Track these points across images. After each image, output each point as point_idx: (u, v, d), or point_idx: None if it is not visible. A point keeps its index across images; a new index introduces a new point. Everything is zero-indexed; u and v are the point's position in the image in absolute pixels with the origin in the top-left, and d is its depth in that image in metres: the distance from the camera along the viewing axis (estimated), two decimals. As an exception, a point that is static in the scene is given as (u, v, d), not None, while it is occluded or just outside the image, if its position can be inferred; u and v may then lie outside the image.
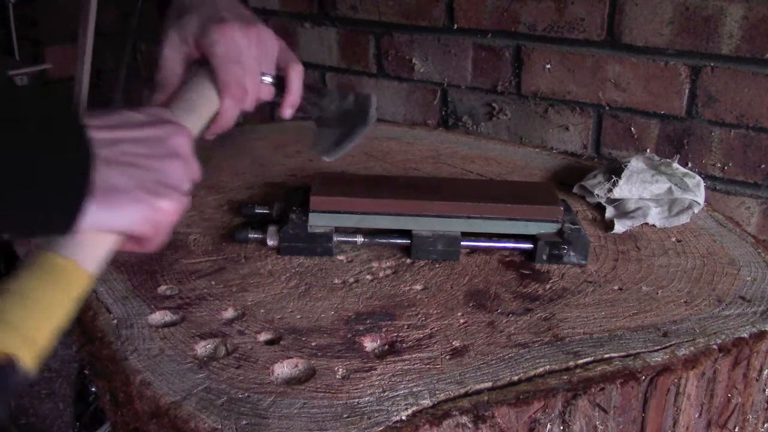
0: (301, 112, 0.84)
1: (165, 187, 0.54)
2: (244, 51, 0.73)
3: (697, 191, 0.98)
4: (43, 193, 0.47)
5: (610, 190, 0.98)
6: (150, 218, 0.53)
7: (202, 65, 0.74)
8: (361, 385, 0.63)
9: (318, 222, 0.85)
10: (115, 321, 0.72)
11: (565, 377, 0.64)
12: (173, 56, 0.74)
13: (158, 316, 0.73)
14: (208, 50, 0.73)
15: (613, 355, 0.68)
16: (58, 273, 0.49)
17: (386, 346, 0.69)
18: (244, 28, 0.73)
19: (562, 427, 0.63)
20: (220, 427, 0.58)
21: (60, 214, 0.49)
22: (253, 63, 0.74)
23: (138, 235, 0.54)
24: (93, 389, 1.30)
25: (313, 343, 0.69)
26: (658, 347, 0.69)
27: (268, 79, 0.77)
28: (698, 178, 1.00)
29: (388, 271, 0.83)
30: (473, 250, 0.88)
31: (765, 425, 0.80)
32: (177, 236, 0.88)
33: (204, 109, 0.72)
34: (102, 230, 0.52)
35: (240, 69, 0.73)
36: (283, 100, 0.80)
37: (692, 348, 0.69)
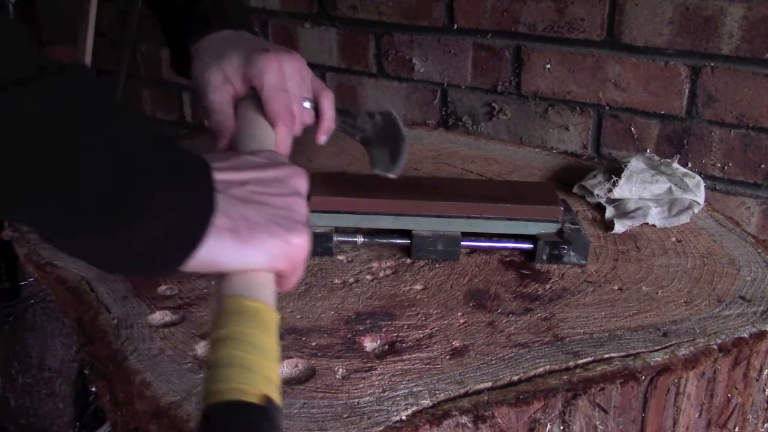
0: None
1: (295, 223, 0.55)
2: (288, 79, 0.75)
3: (697, 191, 0.98)
4: (166, 230, 0.48)
5: (610, 190, 0.98)
6: (287, 254, 0.54)
7: (245, 101, 0.76)
8: (361, 385, 0.63)
9: (318, 222, 0.86)
10: (115, 321, 0.72)
11: (565, 377, 0.64)
12: (222, 98, 0.76)
13: (158, 316, 0.73)
14: (256, 81, 0.75)
15: (613, 355, 0.68)
16: (260, 317, 0.50)
17: (386, 346, 0.69)
18: (286, 57, 0.76)
19: (562, 427, 0.63)
20: (220, 427, 0.58)
21: (175, 251, 0.49)
22: (296, 90, 0.77)
23: (278, 272, 0.55)
24: (93, 389, 1.30)
25: (313, 343, 0.69)
26: (658, 347, 0.69)
27: (308, 104, 0.79)
28: (698, 178, 1.00)
29: (388, 271, 0.83)
30: (473, 250, 0.88)
31: (765, 425, 0.80)
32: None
33: (270, 143, 0.73)
34: (246, 268, 0.52)
35: (287, 96, 0.75)
36: (318, 127, 0.82)
37: (692, 348, 0.69)
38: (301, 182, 0.59)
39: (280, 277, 0.56)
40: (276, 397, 0.46)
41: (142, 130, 0.49)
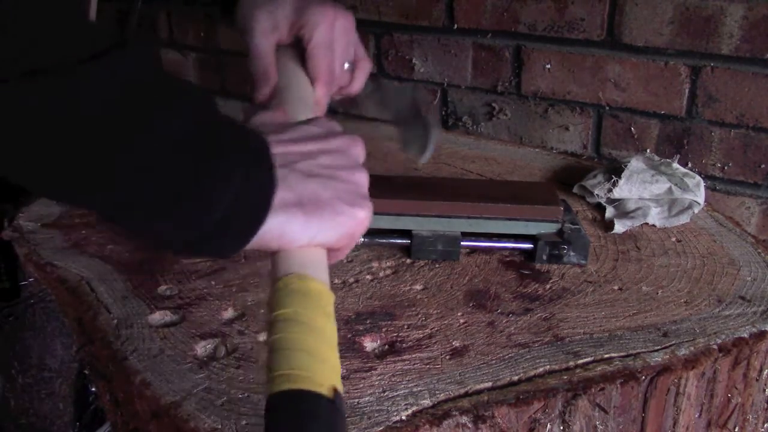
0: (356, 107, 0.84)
1: (359, 197, 0.54)
2: (336, 37, 0.73)
3: (697, 191, 0.98)
4: (233, 203, 0.46)
5: (610, 190, 0.98)
6: (349, 229, 0.53)
7: (285, 50, 0.73)
8: (361, 385, 0.63)
9: (318, 222, 0.85)
10: (115, 321, 0.72)
11: (565, 377, 0.64)
12: (268, 44, 0.72)
13: (158, 316, 0.73)
14: (306, 32, 0.71)
15: (613, 355, 0.68)
16: (320, 299, 0.49)
17: (386, 346, 0.69)
18: (340, 14, 0.73)
19: (562, 427, 0.63)
20: (220, 427, 0.58)
21: (239, 231, 0.48)
22: (342, 49, 0.74)
23: (336, 248, 0.54)
24: (93, 389, 1.30)
25: (313, 343, 0.69)
26: (658, 347, 0.69)
27: (347, 66, 0.77)
28: (698, 178, 1.00)
29: (388, 271, 0.83)
30: (473, 250, 0.88)
31: (765, 425, 0.80)
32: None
33: (310, 100, 0.70)
34: (312, 244, 0.51)
35: (332, 55, 0.72)
36: (342, 89, 0.79)
37: (692, 348, 0.69)
38: (360, 151, 0.58)
39: (332, 251, 0.54)
40: (339, 384, 0.45)
41: (199, 108, 0.48)
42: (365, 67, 0.79)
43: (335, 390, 0.44)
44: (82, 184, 0.44)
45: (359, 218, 0.53)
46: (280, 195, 0.49)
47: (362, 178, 0.55)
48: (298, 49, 0.73)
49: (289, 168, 0.51)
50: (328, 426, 0.43)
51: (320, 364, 0.44)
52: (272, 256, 0.52)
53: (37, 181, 0.45)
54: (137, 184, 0.44)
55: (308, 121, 0.59)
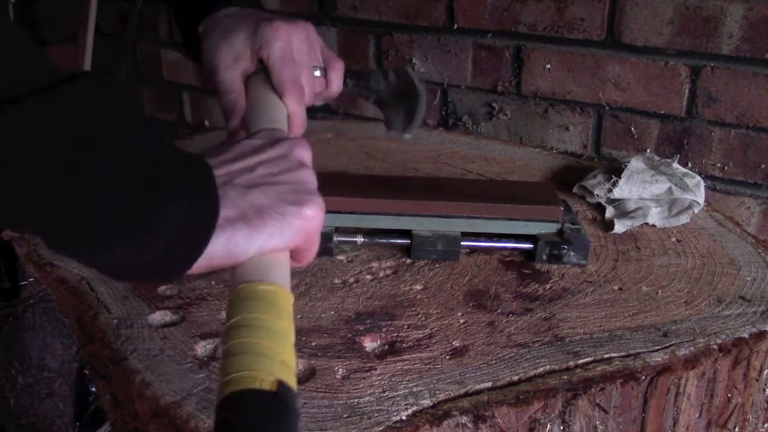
0: (362, 98, 0.86)
1: (304, 194, 0.55)
2: (296, 49, 0.74)
3: (697, 191, 0.98)
4: (174, 232, 0.48)
5: (610, 190, 0.98)
6: (300, 228, 0.53)
7: (255, 76, 0.75)
8: (361, 385, 0.63)
9: (318, 222, 0.85)
10: (115, 321, 0.72)
11: (565, 377, 0.64)
12: (233, 76, 0.75)
13: (158, 316, 0.73)
14: (263, 52, 0.73)
15: (613, 355, 0.68)
16: (271, 299, 0.50)
17: (386, 346, 0.69)
18: (293, 26, 0.75)
19: (562, 427, 0.63)
20: (220, 427, 0.58)
21: (182, 256, 0.49)
22: (305, 59, 0.76)
23: (294, 248, 0.55)
24: (93, 389, 1.30)
25: (313, 343, 0.69)
26: (658, 347, 0.69)
27: (318, 73, 0.78)
28: (698, 178, 1.00)
29: (388, 271, 0.83)
30: (473, 250, 0.88)
31: (765, 425, 0.80)
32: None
33: (281, 117, 0.72)
34: (264, 252, 0.52)
35: (295, 66, 0.74)
36: (321, 93, 0.80)
37: (692, 348, 0.69)
38: (303, 152, 0.59)
39: (297, 252, 0.55)
40: (291, 380, 0.46)
41: (142, 137, 0.49)
42: (338, 67, 0.80)
43: (280, 383, 0.44)
44: (24, 215, 0.45)
45: (307, 215, 0.54)
46: (222, 213, 0.50)
47: (306, 176, 0.56)
48: (265, 72, 0.75)
49: (230, 185, 0.52)
50: (270, 419, 0.43)
51: (263, 360, 0.45)
52: (230, 273, 0.53)
53: None
54: (77, 221, 0.45)
55: (251, 135, 0.60)
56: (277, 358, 0.46)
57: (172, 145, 0.51)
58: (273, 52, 0.73)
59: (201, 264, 0.50)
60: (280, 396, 0.44)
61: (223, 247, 0.50)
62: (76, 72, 0.47)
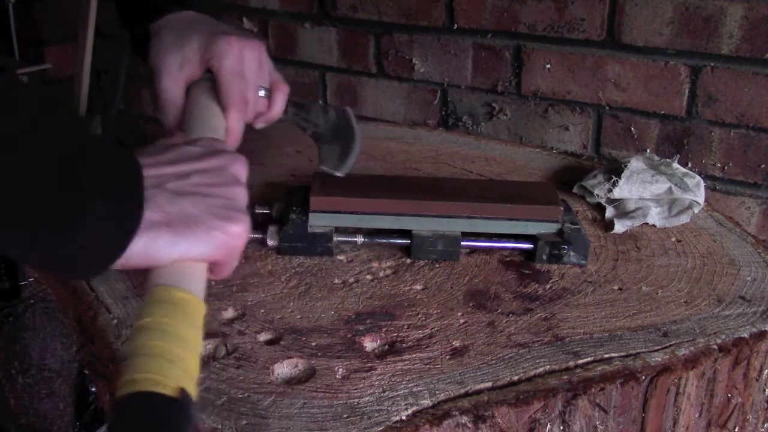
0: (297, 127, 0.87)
1: (233, 211, 0.55)
2: (246, 65, 0.75)
3: (697, 191, 0.98)
4: (93, 232, 0.48)
5: (610, 190, 0.98)
6: (224, 243, 0.54)
7: (198, 85, 0.75)
8: (361, 385, 0.63)
9: (318, 222, 0.85)
10: (115, 321, 0.72)
11: (565, 377, 0.64)
12: (175, 84, 0.75)
13: (158, 316, 0.73)
14: (214, 63, 0.74)
15: (613, 355, 0.68)
16: (184, 307, 0.50)
17: (386, 346, 0.69)
18: (247, 43, 0.75)
19: (562, 427, 0.63)
20: (220, 427, 0.58)
21: (104, 253, 0.49)
22: (253, 77, 0.76)
23: (214, 261, 0.55)
24: (93, 389, 1.30)
25: (313, 343, 0.69)
26: (658, 347, 0.69)
27: (263, 93, 0.78)
28: (698, 178, 1.00)
29: (388, 271, 0.83)
30: (473, 250, 0.88)
31: (765, 425, 0.80)
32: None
33: (220, 128, 0.72)
34: (183, 260, 0.53)
35: (244, 83, 0.74)
36: (263, 115, 0.81)
37: (692, 348, 0.69)
38: (240, 169, 0.59)
39: (215, 265, 0.56)
40: (192, 390, 0.46)
41: (68, 131, 0.49)
42: (283, 91, 0.81)
43: (182, 391, 0.45)
44: None
45: (233, 232, 0.54)
46: (146, 216, 0.50)
47: (238, 194, 0.57)
48: (211, 82, 0.75)
49: (160, 188, 0.53)
50: (169, 424, 0.44)
51: (169, 366, 0.46)
52: (148, 274, 0.53)
53: None
54: (2, 218, 0.45)
55: (192, 141, 0.60)
56: (182, 366, 0.47)
57: (102, 143, 0.51)
58: (224, 65, 0.73)
59: (120, 263, 0.50)
60: (181, 403, 0.45)
61: (143, 248, 0.50)
62: None
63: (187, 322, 0.49)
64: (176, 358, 0.47)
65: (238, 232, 0.55)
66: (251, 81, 0.76)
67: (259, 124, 0.81)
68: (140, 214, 0.50)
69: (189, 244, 0.52)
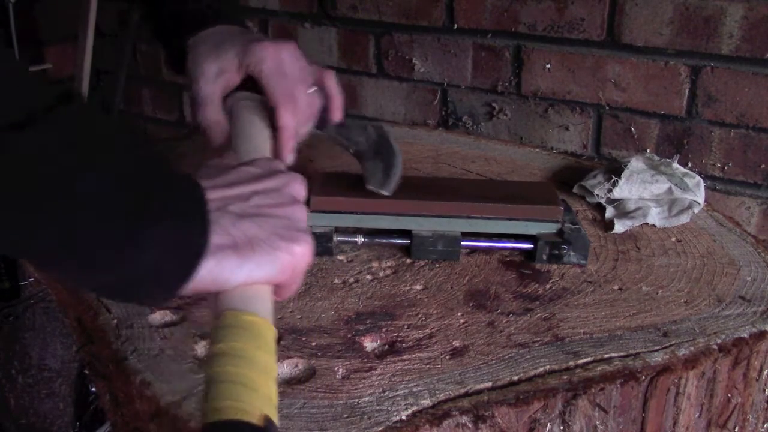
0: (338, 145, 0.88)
1: (296, 232, 0.55)
2: (286, 65, 0.76)
3: (697, 191, 0.98)
4: (163, 255, 0.48)
5: (610, 190, 0.98)
6: (289, 264, 0.54)
7: (240, 103, 0.76)
8: (361, 385, 0.63)
9: (318, 222, 0.85)
10: (115, 321, 0.72)
11: (565, 377, 0.64)
12: (212, 90, 0.76)
13: (158, 316, 0.73)
14: (254, 69, 0.75)
15: (613, 355, 0.68)
16: (258, 331, 0.50)
17: (386, 346, 0.69)
18: (282, 45, 0.77)
19: (562, 427, 0.63)
20: (220, 427, 0.57)
21: (171, 280, 0.50)
22: (296, 74, 0.77)
23: (279, 283, 0.55)
24: (93, 389, 1.30)
25: (313, 343, 0.69)
26: (658, 347, 0.69)
27: (312, 90, 0.79)
28: (698, 178, 1.00)
29: (388, 271, 0.83)
30: (473, 250, 0.88)
31: (765, 425, 0.80)
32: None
33: (265, 144, 0.73)
34: (249, 282, 0.52)
35: (288, 81, 0.75)
36: (331, 105, 0.82)
37: (692, 348, 0.69)
38: (298, 188, 0.59)
39: (279, 287, 0.56)
40: (275, 417, 0.46)
41: (130, 159, 0.49)
42: (330, 76, 0.82)
43: (266, 418, 0.45)
44: (14, 239, 0.45)
45: (297, 252, 0.54)
46: (214, 240, 0.50)
47: (299, 213, 0.57)
48: (254, 100, 0.76)
49: (223, 211, 0.53)
50: None
51: (251, 394, 0.46)
52: (215, 295, 0.53)
53: None
54: (62, 242, 0.45)
55: (249, 162, 0.60)
56: (263, 393, 0.46)
57: (167, 166, 0.51)
58: (265, 68, 0.75)
59: (188, 288, 0.50)
60: (266, 430, 0.44)
61: (210, 272, 0.50)
62: (66, 92, 0.47)
63: (262, 347, 0.49)
64: (257, 385, 0.46)
65: (301, 253, 0.55)
66: (296, 78, 0.76)
67: (338, 113, 0.82)
68: (207, 237, 0.50)
69: (254, 266, 0.52)
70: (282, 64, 0.76)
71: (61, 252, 0.46)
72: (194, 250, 0.50)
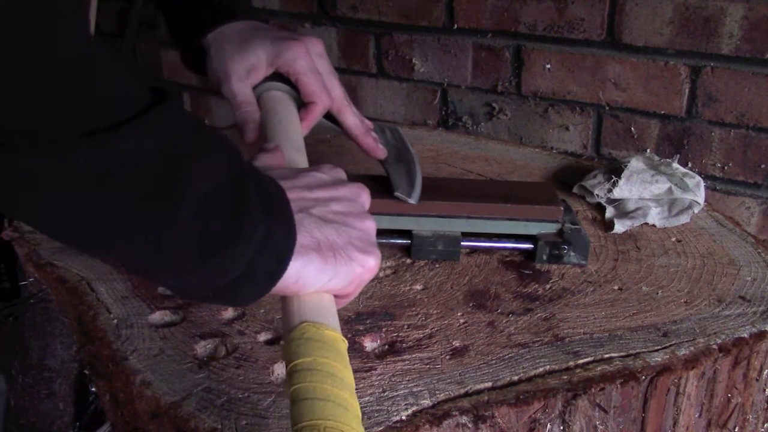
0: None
1: (370, 245, 0.55)
2: (319, 62, 0.78)
3: (697, 191, 0.98)
4: (259, 252, 0.47)
5: (610, 190, 0.98)
6: (359, 275, 0.54)
7: (270, 92, 0.78)
8: (361, 385, 0.63)
9: (318, 222, 0.85)
10: (115, 321, 0.72)
11: (565, 377, 0.64)
12: (246, 88, 0.77)
13: (158, 316, 0.73)
14: (288, 68, 0.76)
15: (613, 355, 0.68)
16: (337, 346, 0.49)
17: (386, 346, 0.69)
18: (309, 41, 0.79)
19: (562, 427, 0.63)
20: (220, 427, 0.58)
21: (264, 279, 0.49)
22: (327, 70, 0.80)
23: (343, 294, 0.55)
24: (93, 389, 1.30)
25: (313, 343, 0.69)
26: (658, 347, 0.69)
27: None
28: (698, 178, 1.00)
29: (388, 271, 0.83)
30: (473, 250, 0.88)
31: (765, 425, 0.80)
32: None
33: (300, 139, 0.73)
34: (323, 290, 0.52)
35: (321, 77, 0.78)
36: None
37: (692, 348, 0.69)
38: (366, 199, 0.59)
39: (338, 297, 0.55)
40: None
41: (226, 163, 0.48)
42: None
43: None
44: (111, 241, 0.44)
45: (370, 266, 0.54)
46: (299, 240, 0.50)
47: (371, 226, 0.57)
48: (284, 90, 0.78)
49: (305, 213, 0.52)
50: None
51: (344, 412, 0.45)
52: (283, 303, 0.52)
53: (71, 236, 0.45)
54: (162, 244, 0.44)
55: (317, 168, 0.60)
56: (353, 411, 0.46)
57: (249, 164, 0.50)
58: (298, 67, 0.76)
59: (276, 287, 0.50)
60: None
61: (296, 273, 0.50)
62: (160, 90, 0.45)
63: (343, 363, 0.48)
64: (347, 403, 0.46)
65: (373, 267, 0.54)
66: (329, 75, 0.79)
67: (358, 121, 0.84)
68: (294, 237, 0.50)
69: (333, 273, 0.52)
70: (312, 61, 0.77)
71: (157, 254, 0.45)
72: (285, 248, 0.49)
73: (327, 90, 0.78)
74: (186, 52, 0.84)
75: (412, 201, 0.84)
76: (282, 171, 0.58)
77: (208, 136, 0.47)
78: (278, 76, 0.78)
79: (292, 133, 0.73)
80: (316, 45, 0.80)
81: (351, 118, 0.82)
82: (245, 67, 0.76)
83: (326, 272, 0.51)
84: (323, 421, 0.44)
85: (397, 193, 0.84)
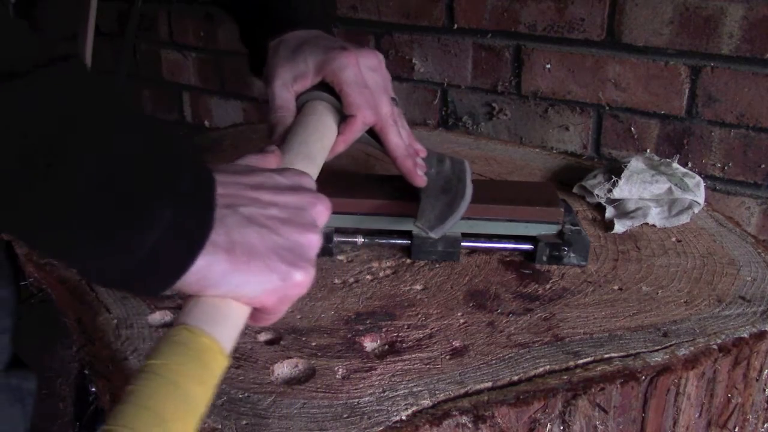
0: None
1: (300, 259, 0.50)
2: (366, 74, 0.75)
3: (697, 191, 0.98)
4: (156, 248, 0.43)
5: (610, 190, 0.98)
6: (279, 290, 0.49)
7: (313, 103, 0.75)
8: (361, 385, 0.63)
9: (318, 222, 0.85)
10: (115, 321, 0.72)
11: (565, 377, 0.64)
12: (288, 95, 0.76)
13: (158, 316, 0.73)
14: (333, 78, 0.74)
15: (613, 355, 0.68)
16: (204, 357, 0.44)
17: (386, 346, 0.69)
18: (364, 53, 0.76)
19: (562, 427, 0.63)
20: (220, 427, 0.58)
21: (166, 270, 0.45)
22: (376, 84, 0.76)
23: (260, 307, 0.50)
24: (93, 389, 1.30)
25: (313, 343, 0.69)
26: (658, 347, 0.69)
27: (394, 99, 0.78)
28: (698, 178, 1.00)
29: (388, 271, 0.83)
30: (473, 250, 0.88)
31: (765, 425, 0.80)
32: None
33: (319, 154, 0.71)
34: (230, 295, 0.48)
35: (368, 92, 0.75)
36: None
37: (692, 348, 0.69)
38: (321, 212, 0.54)
39: (260, 312, 0.51)
40: None
41: (144, 133, 0.45)
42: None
43: None
44: (5, 214, 0.42)
45: (294, 280, 0.49)
46: (212, 237, 0.46)
47: (312, 240, 0.52)
48: (329, 101, 0.76)
49: (232, 210, 0.48)
50: None
51: (158, 425, 0.41)
52: (184, 300, 0.49)
53: None
54: (57, 219, 0.41)
55: (279, 171, 0.56)
56: (173, 426, 0.41)
57: (184, 150, 0.47)
58: (344, 76, 0.74)
59: (179, 282, 0.46)
60: None
61: (199, 271, 0.46)
62: (65, 53, 0.43)
63: (202, 377, 0.44)
64: (169, 417, 0.41)
65: (298, 282, 0.49)
66: (376, 87, 0.76)
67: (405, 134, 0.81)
68: (207, 231, 0.46)
69: (242, 279, 0.47)
70: (361, 74, 0.74)
71: (50, 232, 0.42)
72: (193, 241, 0.45)
73: (372, 105, 0.75)
74: (252, 60, 0.84)
75: (432, 235, 0.80)
76: (236, 166, 0.55)
77: (119, 112, 0.44)
78: (329, 88, 0.76)
79: (312, 141, 0.70)
80: (369, 58, 0.76)
81: (394, 139, 0.77)
82: (293, 74, 0.75)
83: (234, 277, 0.47)
84: (120, 428, 0.40)
85: (417, 224, 0.80)
